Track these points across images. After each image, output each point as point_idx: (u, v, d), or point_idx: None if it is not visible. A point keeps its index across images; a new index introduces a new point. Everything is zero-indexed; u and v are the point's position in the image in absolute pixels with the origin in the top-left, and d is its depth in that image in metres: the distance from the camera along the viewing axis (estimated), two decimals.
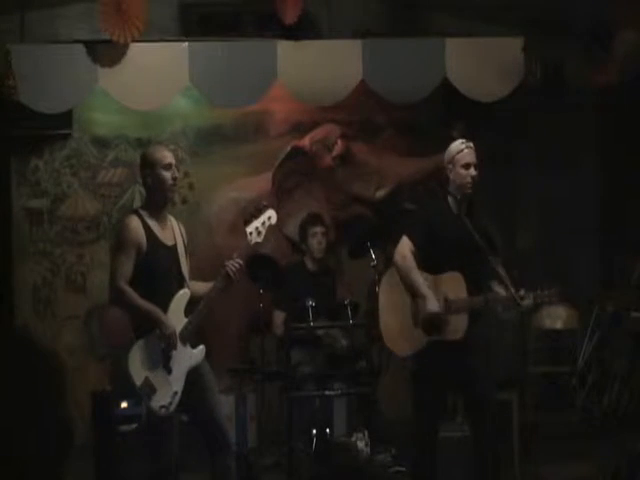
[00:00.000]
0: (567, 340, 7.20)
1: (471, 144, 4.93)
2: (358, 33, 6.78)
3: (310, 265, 6.62)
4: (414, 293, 4.86)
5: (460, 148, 4.90)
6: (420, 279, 4.83)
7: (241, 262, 4.63)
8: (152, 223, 4.62)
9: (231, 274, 4.61)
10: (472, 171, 4.84)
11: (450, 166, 4.90)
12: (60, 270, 7.15)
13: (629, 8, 6.40)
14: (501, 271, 4.78)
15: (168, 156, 4.66)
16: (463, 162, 4.86)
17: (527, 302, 4.69)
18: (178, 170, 4.75)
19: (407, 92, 6.62)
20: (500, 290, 4.79)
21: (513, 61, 6.60)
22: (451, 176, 4.90)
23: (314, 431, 6.01)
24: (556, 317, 7.17)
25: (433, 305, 4.77)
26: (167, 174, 4.61)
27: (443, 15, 7.07)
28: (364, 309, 6.39)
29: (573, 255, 7.31)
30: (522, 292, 4.71)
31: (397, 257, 4.93)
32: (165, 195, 4.66)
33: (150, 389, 4.49)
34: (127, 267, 4.51)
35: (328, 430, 6.02)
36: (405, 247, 4.90)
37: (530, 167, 7.49)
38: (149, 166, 4.63)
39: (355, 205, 7.35)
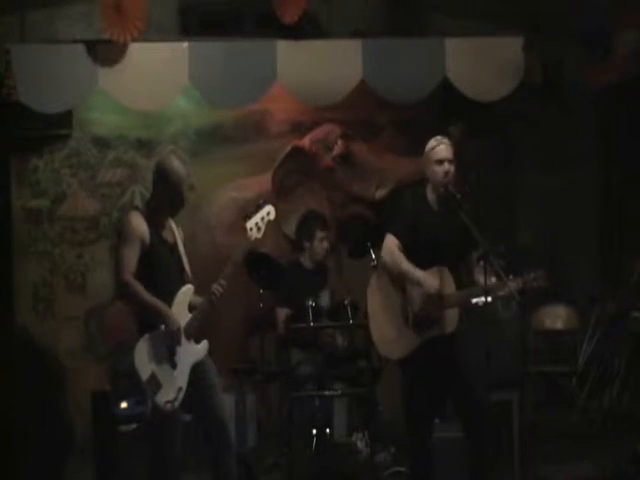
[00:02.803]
0: (567, 340, 7.20)
1: (446, 140, 4.91)
2: (358, 33, 6.78)
3: (307, 263, 6.62)
4: (406, 285, 4.86)
5: (433, 145, 4.89)
6: (411, 267, 4.83)
7: (225, 284, 4.62)
8: (154, 220, 4.65)
9: (213, 299, 4.62)
10: (445, 166, 4.82)
11: (427, 163, 4.90)
12: (60, 270, 7.15)
13: (629, 8, 6.40)
14: (487, 263, 4.76)
15: (186, 177, 4.68)
16: (436, 158, 4.85)
17: (515, 286, 4.67)
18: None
19: (407, 92, 6.62)
20: (489, 281, 4.74)
21: (513, 61, 6.60)
22: (427, 173, 4.91)
23: (314, 431, 6.01)
24: (556, 317, 7.17)
25: (431, 285, 4.76)
26: (181, 196, 4.66)
27: (443, 15, 7.07)
28: (364, 309, 6.39)
29: (573, 255, 7.31)
30: (510, 277, 4.69)
31: (384, 254, 4.95)
32: (172, 212, 4.70)
33: (156, 384, 4.51)
34: (132, 260, 4.53)
35: (328, 430, 6.02)
36: (391, 243, 4.91)
37: (530, 167, 7.49)
38: (167, 182, 4.63)
39: (355, 205, 7.35)
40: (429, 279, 4.78)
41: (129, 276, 4.51)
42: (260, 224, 4.74)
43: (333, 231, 6.91)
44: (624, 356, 7.08)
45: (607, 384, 7.06)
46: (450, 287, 4.79)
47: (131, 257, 4.53)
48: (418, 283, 4.81)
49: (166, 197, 4.65)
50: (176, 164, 4.70)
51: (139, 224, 4.57)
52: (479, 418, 4.76)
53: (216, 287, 4.62)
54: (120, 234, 4.66)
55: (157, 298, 4.54)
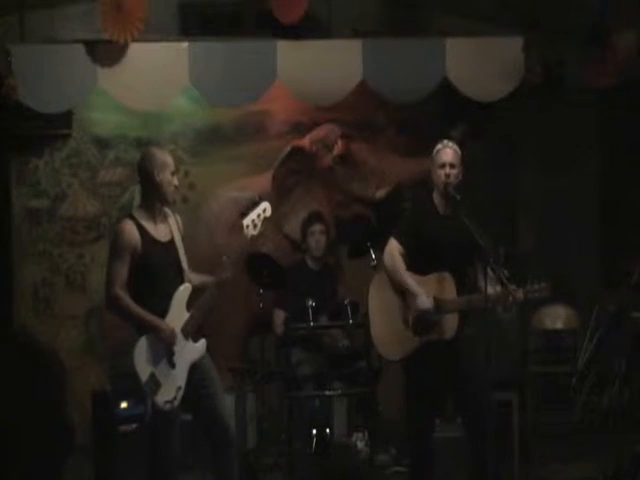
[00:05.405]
0: (567, 340, 7.20)
1: (451, 144, 4.94)
2: (358, 33, 6.78)
3: (311, 264, 6.62)
4: (404, 292, 4.87)
5: (438, 148, 4.94)
6: (409, 278, 4.86)
7: (229, 260, 4.65)
8: (147, 223, 4.65)
9: (224, 277, 4.64)
10: (447, 169, 4.85)
11: (432, 166, 4.94)
12: (60, 270, 7.16)
13: (629, 8, 6.40)
14: (490, 270, 4.75)
15: (172, 162, 4.71)
16: (439, 162, 4.89)
17: (517, 297, 4.67)
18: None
19: (407, 92, 6.62)
20: (490, 289, 4.74)
21: (513, 61, 6.60)
22: (433, 177, 4.93)
23: (314, 431, 6.01)
24: (556, 317, 7.17)
25: (424, 302, 4.78)
26: (173, 179, 4.68)
27: (443, 15, 7.07)
28: (364, 309, 6.39)
29: (573, 255, 7.31)
30: (513, 287, 4.69)
31: (386, 258, 4.97)
32: (166, 199, 4.70)
33: (155, 384, 4.53)
34: (122, 273, 4.54)
35: (328, 430, 6.01)
36: (393, 248, 4.93)
37: (530, 167, 7.49)
38: (157, 168, 4.64)
39: (355, 205, 7.34)
40: (422, 297, 4.80)
41: (118, 290, 4.52)
42: (256, 221, 4.77)
43: (331, 228, 6.90)
44: (624, 356, 7.08)
45: (607, 384, 7.07)
46: (451, 292, 4.80)
47: (121, 270, 4.54)
48: (413, 297, 4.82)
49: (155, 183, 4.64)
50: (157, 150, 4.76)
51: (130, 234, 4.57)
52: (480, 418, 4.76)
53: (225, 269, 4.62)
54: (111, 245, 4.68)
55: (155, 300, 4.55)
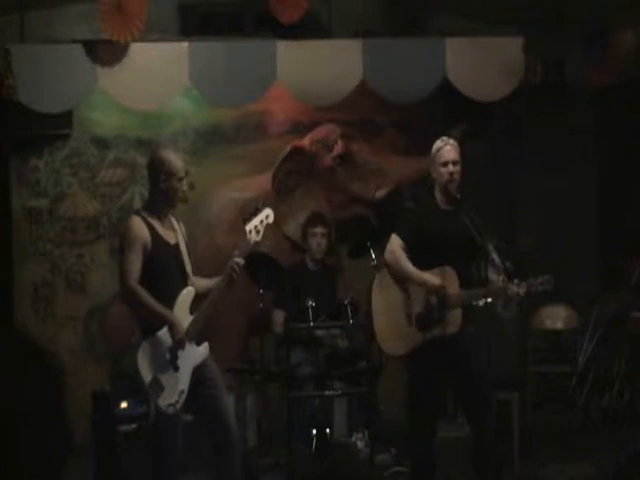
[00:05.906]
0: (567, 340, 7.21)
1: (451, 141, 4.95)
2: (358, 33, 6.78)
3: (311, 264, 6.62)
4: (407, 286, 4.87)
5: (439, 146, 4.93)
6: (412, 267, 4.86)
7: (242, 261, 4.66)
8: (154, 222, 4.65)
9: (234, 276, 4.63)
10: (450, 167, 4.86)
11: (432, 165, 4.94)
12: (60, 270, 7.15)
13: (629, 8, 6.40)
14: (492, 263, 4.75)
15: (181, 166, 4.71)
16: (442, 160, 4.89)
17: (520, 290, 4.68)
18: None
19: (407, 92, 6.62)
20: (493, 282, 4.74)
21: (513, 61, 6.61)
22: (434, 174, 4.94)
23: (314, 431, 6.01)
24: (556, 317, 7.17)
25: (434, 281, 4.78)
26: (181, 185, 4.68)
27: (443, 15, 7.07)
28: (364, 309, 6.39)
29: (573, 255, 7.31)
30: (515, 281, 4.69)
31: (387, 254, 4.98)
32: (173, 203, 4.71)
33: (158, 387, 4.53)
34: (136, 266, 4.55)
35: (328, 430, 6.01)
36: (395, 244, 4.94)
37: (530, 167, 7.49)
38: (166, 174, 4.64)
39: (355, 205, 7.35)
40: (431, 277, 4.80)
41: (134, 283, 4.52)
42: (259, 227, 4.76)
43: (332, 231, 6.91)
44: (624, 356, 7.08)
45: (607, 384, 7.07)
46: (454, 287, 4.80)
47: (135, 263, 4.54)
48: (420, 282, 4.82)
49: (163, 188, 4.65)
50: (169, 154, 4.74)
51: (140, 229, 4.58)
52: (481, 417, 4.76)
53: (234, 262, 4.62)
54: (122, 240, 4.67)
55: (159, 301, 4.55)
